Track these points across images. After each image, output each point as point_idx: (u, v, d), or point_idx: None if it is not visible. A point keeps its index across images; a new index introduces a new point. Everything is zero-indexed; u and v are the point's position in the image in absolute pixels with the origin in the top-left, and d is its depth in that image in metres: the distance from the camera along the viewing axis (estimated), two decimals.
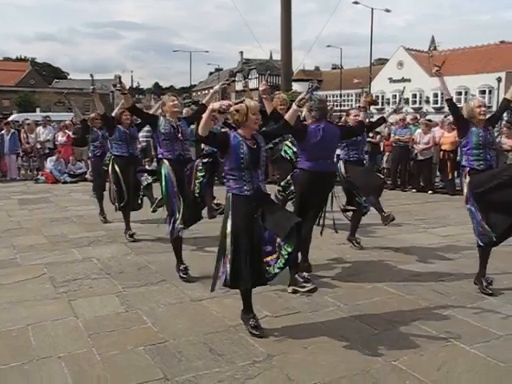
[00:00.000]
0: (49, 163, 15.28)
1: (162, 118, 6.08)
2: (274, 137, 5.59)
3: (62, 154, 15.62)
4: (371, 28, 40.18)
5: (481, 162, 5.56)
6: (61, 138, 15.99)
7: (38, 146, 16.14)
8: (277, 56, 37.03)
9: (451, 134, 13.37)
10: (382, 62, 61.75)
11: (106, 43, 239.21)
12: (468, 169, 5.61)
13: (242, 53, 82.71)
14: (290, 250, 4.14)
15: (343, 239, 7.55)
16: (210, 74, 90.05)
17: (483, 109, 5.70)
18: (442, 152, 13.36)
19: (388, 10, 42.99)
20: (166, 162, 5.96)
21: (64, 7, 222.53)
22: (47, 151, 16.05)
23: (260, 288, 5.38)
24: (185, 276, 5.88)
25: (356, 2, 39.61)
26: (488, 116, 5.76)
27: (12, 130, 16.00)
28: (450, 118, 30.26)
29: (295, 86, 33.93)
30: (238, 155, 4.30)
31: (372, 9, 40.18)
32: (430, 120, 15.45)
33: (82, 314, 4.82)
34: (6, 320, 4.65)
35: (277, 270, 4.30)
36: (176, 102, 6.21)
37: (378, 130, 15.75)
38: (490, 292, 5.37)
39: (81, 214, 9.86)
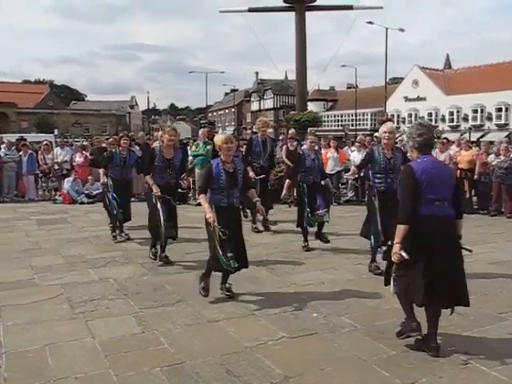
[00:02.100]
0: (66, 184, 15.41)
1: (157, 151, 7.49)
2: None
3: (79, 174, 15.75)
4: (386, 47, 40.34)
5: (382, 184, 6.72)
6: (78, 158, 16.16)
7: (56, 166, 16.32)
8: (292, 76, 37.23)
9: (468, 152, 13.34)
10: (397, 81, 61.77)
11: (124, 65, 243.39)
12: (375, 189, 6.79)
13: (257, 73, 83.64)
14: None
15: (359, 259, 7.53)
16: (226, 94, 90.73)
17: (387, 134, 6.62)
18: (458, 171, 13.29)
19: (402, 30, 43.06)
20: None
21: (85, 31, 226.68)
22: (65, 172, 16.22)
23: (277, 309, 5.42)
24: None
25: (370, 22, 39.77)
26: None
27: (29, 151, 16.21)
28: (467, 136, 30.04)
29: (310, 106, 34.03)
30: (218, 180, 5.69)
31: (386, 28, 40.33)
32: (447, 139, 15.38)
33: (99, 334, 4.83)
34: (24, 340, 4.68)
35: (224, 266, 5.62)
36: (173, 137, 7.46)
37: None
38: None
39: (97, 234, 9.91)
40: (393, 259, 4.30)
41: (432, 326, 4.38)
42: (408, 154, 5.10)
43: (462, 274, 4.36)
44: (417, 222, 4.29)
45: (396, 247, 4.26)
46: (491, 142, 15.83)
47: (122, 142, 9.38)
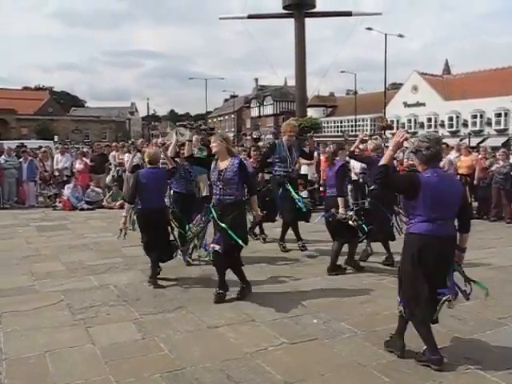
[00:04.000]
0: (66, 190, 15.43)
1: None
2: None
3: (80, 180, 15.78)
4: (385, 53, 40.43)
5: None
6: (78, 165, 16.20)
7: (56, 173, 16.35)
8: (292, 82, 37.33)
9: (468, 157, 13.36)
10: (396, 86, 61.89)
11: (125, 71, 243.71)
12: None
13: (256, 79, 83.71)
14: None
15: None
16: (226, 100, 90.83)
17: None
18: (458, 176, 13.30)
19: (401, 36, 43.16)
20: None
21: (86, 37, 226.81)
22: (65, 178, 16.24)
23: (277, 315, 5.42)
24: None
25: (369, 29, 39.87)
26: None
27: (29, 158, 16.25)
28: (466, 141, 29.93)
29: (310, 112, 34.07)
30: None
31: (385, 34, 40.44)
32: (446, 144, 15.41)
33: (99, 340, 4.84)
34: (24, 347, 4.69)
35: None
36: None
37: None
38: None
39: (98, 240, 9.92)
40: None
41: (427, 339, 4.27)
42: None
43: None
44: (416, 240, 4.23)
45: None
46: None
47: (182, 151, 8.41)
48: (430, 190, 4.13)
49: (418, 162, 4.34)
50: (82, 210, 14.80)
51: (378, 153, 7.99)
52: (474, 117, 48.88)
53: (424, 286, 4.18)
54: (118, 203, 14.67)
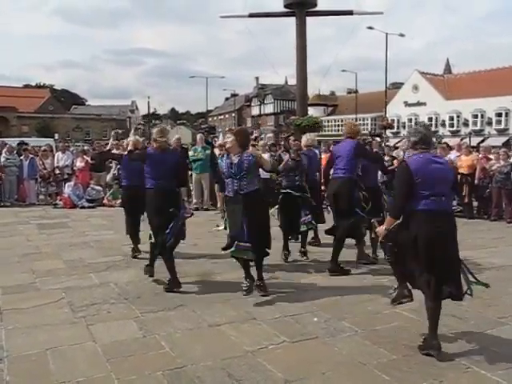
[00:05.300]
0: (67, 188, 15.44)
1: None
2: None
3: (80, 179, 15.80)
4: (386, 52, 40.48)
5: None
6: (79, 163, 16.21)
7: (57, 171, 16.36)
8: (292, 81, 37.33)
9: (468, 157, 13.36)
10: (397, 86, 61.90)
11: (126, 69, 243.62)
12: None
13: (257, 78, 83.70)
14: None
15: (359, 264, 7.56)
16: (226, 99, 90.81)
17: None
18: (459, 175, 13.31)
19: (402, 35, 43.25)
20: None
21: (87, 36, 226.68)
22: (66, 176, 16.26)
23: (278, 313, 5.42)
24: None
25: (371, 28, 39.86)
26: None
27: (30, 156, 16.26)
28: (467, 141, 29.92)
29: (311, 111, 34.01)
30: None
31: (386, 34, 40.45)
32: (447, 144, 15.43)
33: (100, 338, 4.84)
34: (25, 344, 4.69)
35: None
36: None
37: (394, 154, 15.72)
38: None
39: (98, 238, 9.92)
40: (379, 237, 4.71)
41: (431, 321, 4.42)
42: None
43: (457, 269, 4.44)
44: (414, 217, 4.37)
45: (381, 230, 4.59)
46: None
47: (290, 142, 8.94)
48: (419, 171, 4.34)
49: (407, 148, 4.85)
50: (83, 208, 14.80)
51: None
52: (475, 116, 48.92)
53: (423, 264, 4.34)
54: (118, 201, 14.70)
